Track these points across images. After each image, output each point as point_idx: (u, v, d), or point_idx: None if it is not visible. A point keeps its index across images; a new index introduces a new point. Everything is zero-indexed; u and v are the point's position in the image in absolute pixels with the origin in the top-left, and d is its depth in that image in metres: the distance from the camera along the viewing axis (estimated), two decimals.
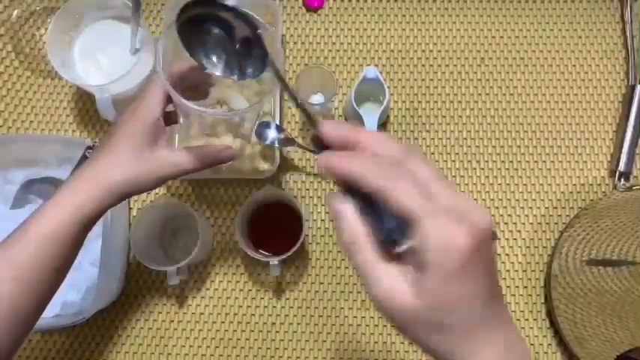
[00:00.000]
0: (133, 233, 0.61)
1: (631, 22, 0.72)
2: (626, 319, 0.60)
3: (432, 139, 0.70)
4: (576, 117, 0.70)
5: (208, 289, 0.66)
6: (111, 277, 0.62)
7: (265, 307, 0.66)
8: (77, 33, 0.65)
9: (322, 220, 0.68)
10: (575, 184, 0.68)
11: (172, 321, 0.65)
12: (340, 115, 0.70)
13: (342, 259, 0.66)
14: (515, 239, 0.67)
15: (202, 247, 0.64)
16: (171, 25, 0.40)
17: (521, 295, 0.65)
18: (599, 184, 0.68)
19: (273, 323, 0.65)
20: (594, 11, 0.73)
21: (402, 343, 0.64)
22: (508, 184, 0.68)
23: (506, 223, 0.67)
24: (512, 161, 0.69)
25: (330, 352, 0.64)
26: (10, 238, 0.43)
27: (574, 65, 0.72)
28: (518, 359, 0.37)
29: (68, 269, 0.46)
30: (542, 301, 0.65)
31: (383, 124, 0.70)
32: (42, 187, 0.65)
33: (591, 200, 0.67)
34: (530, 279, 0.66)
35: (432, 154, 0.69)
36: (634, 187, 0.65)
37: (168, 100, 0.47)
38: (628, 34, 0.72)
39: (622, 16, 0.73)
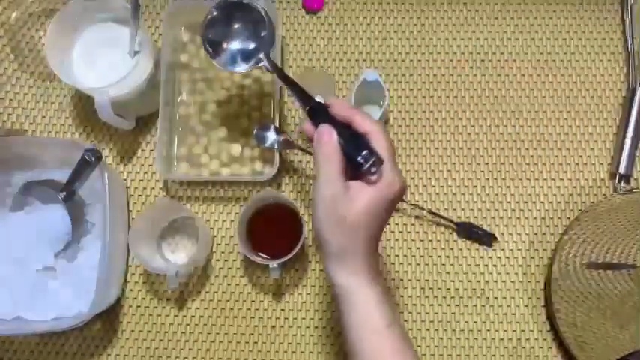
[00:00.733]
0: (133, 236, 0.61)
1: (631, 24, 0.72)
2: (626, 322, 0.60)
3: (432, 141, 0.70)
4: (576, 119, 0.70)
5: (208, 292, 0.66)
6: (110, 280, 0.62)
7: (265, 309, 0.65)
8: (76, 35, 0.65)
9: None
10: (575, 187, 0.68)
11: (172, 324, 0.65)
12: None
13: None
14: (515, 242, 0.67)
15: (202, 249, 0.63)
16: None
17: (522, 297, 0.65)
18: (600, 187, 0.68)
19: (273, 326, 0.65)
20: (594, 13, 0.73)
21: None
22: (508, 187, 0.68)
23: (506, 226, 0.67)
24: (512, 164, 0.69)
25: (329, 355, 0.64)
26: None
27: (574, 68, 0.72)
28: (392, 306, 0.46)
29: None
30: (543, 304, 0.65)
31: None
32: (41, 190, 0.65)
33: (591, 203, 0.67)
34: (530, 282, 0.66)
35: (432, 156, 0.69)
36: (634, 190, 0.65)
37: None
38: (628, 36, 0.71)
39: (622, 18, 0.73)
